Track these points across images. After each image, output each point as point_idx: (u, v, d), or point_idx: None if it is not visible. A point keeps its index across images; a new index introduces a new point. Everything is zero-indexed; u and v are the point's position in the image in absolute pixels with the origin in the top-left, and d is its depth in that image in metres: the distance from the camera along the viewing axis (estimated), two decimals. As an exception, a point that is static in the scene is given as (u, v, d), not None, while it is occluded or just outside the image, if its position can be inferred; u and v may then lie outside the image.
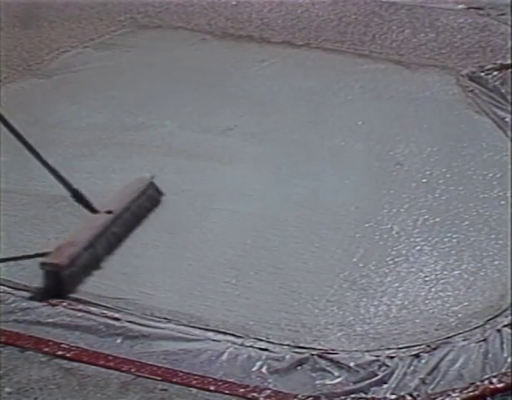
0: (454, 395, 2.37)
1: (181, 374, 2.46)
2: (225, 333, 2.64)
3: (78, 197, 3.08)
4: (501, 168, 3.62)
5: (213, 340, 2.61)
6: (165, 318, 2.70)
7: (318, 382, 2.45)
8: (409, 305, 2.78)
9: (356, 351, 2.56)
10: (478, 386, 2.40)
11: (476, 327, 2.66)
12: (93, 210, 3.08)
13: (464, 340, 2.60)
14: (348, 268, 2.96)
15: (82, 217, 3.08)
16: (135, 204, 3.22)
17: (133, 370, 2.47)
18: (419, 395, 2.38)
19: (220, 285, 2.87)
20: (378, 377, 2.45)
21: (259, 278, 2.91)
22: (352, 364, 2.50)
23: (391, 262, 3.01)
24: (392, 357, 2.53)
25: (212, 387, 2.41)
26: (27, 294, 2.80)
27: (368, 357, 2.53)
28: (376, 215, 3.28)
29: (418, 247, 3.09)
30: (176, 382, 2.43)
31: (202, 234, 3.17)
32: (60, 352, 2.53)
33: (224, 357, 2.54)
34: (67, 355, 2.53)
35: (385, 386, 2.43)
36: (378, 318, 2.72)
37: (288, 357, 2.54)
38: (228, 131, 3.98)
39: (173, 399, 2.38)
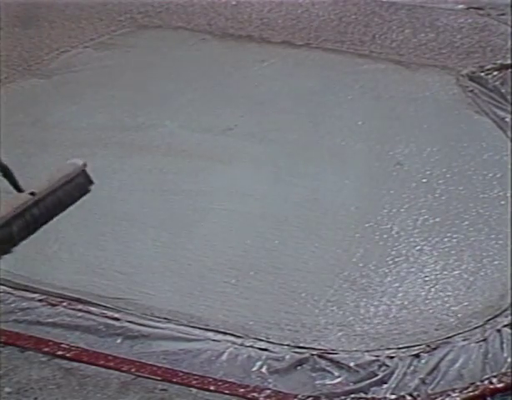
0: (454, 395, 2.37)
1: (181, 374, 2.46)
2: (225, 333, 2.64)
3: (7, 174, 3.17)
4: (501, 168, 3.62)
5: (213, 340, 2.61)
6: (165, 318, 2.70)
7: (318, 382, 2.45)
8: (409, 305, 2.78)
9: (356, 351, 2.56)
10: (478, 386, 2.40)
11: (476, 327, 2.66)
12: (19, 189, 3.17)
13: (464, 340, 2.60)
14: (348, 268, 2.96)
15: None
16: (62, 189, 3.28)
17: (133, 370, 2.47)
18: (419, 395, 2.38)
19: (220, 285, 2.88)
20: (379, 377, 2.45)
21: (259, 278, 2.91)
22: (352, 364, 2.50)
23: (391, 262, 3.01)
24: (392, 357, 2.53)
25: (212, 387, 2.41)
26: (27, 294, 2.80)
27: (368, 357, 2.53)
28: (376, 215, 3.28)
29: (418, 247, 3.09)
30: (176, 382, 2.43)
31: (202, 234, 3.17)
32: (60, 352, 2.53)
33: (224, 357, 2.54)
34: (67, 355, 2.53)
35: (385, 386, 2.43)
36: (378, 318, 2.72)
37: (288, 357, 2.54)
38: (228, 131, 3.98)
39: (173, 399, 2.38)
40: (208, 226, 3.22)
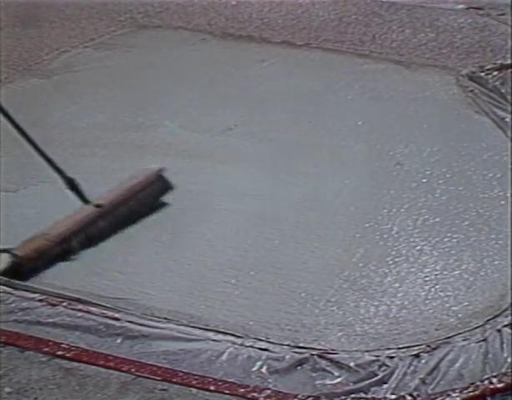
0: (454, 395, 2.37)
1: (181, 374, 2.46)
2: (225, 333, 2.64)
3: (73, 186, 3.10)
4: (501, 168, 3.62)
5: (213, 340, 2.61)
6: (165, 318, 2.70)
7: (318, 382, 2.45)
8: (409, 305, 2.78)
9: (356, 351, 2.56)
10: (478, 386, 2.40)
11: (476, 327, 2.66)
12: (86, 201, 3.09)
13: (464, 340, 2.60)
14: (348, 268, 2.96)
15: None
16: (135, 199, 3.19)
17: (132, 370, 2.47)
18: (419, 395, 2.38)
19: (220, 285, 2.88)
20: (378, 377, 2.45)
21: (259, 278, 2.91)
22: (352, 364, 2.50)
23: (391, 262, 3.01)
24: (392, 357, 2.53)
25: (212, 387, 2.41)
26: (27, 294, 2.80)
27: (368, 357, 2.53)
28: (376, 215, 3.28)
29: (418, 247, 3.09)
30: (176, 382, 2.43)
31: (202, 234, 3.17)
32: (60, 352, 2.53)
33: (224, 357, 2.53)
34: (67, 355, 2.53)
35: (385, 386, 2.43)
36: (378, 318, 2.72)
37: (288, 357, 2.53)
38: (228, 131, 3.98)
39: (173, 399, 2.38)
40: (208, 226, 3.22)
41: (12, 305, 2.74)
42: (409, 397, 2.38)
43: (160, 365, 2.49)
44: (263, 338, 2.62)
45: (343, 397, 2.38)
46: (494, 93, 4.33)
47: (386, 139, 3.90)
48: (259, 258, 3.02)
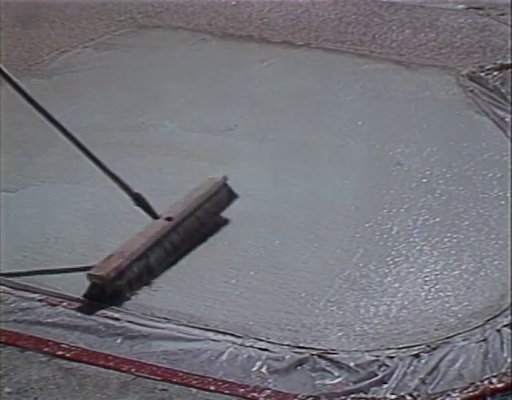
0: (454, 395, 2.37)
1: (181, 374, 2.46)
2: (225, 333, 2.64)
3: (140, 201, 2.98)
4: (501, 168, 3.62)
5: (213, 340, 2.61)
6: (165, 318, 2.70)
7: (318, 382, 2.45)
8: (408, 305, 2.78)
9: (356, 351, 2.56)
10: (478, 386, 2.40)
11: (476, 327, 2.66)
12: (155, 216, 2.97)
13: (464, 340, 2.60)
14: (348, 268, 2.96)
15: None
16: (201, 209, 3.10)
17: (132, 370, 2.47)
18: (419, 395, 2.38)
19: (220, 285, 2.87)
20: (378, 377, 2.45)
21: (259, 278, 2.91)
22: (352, 364, 2.50)
23: (391, 262, 3.01)
24: (392, 357, 2.53)
25: (212, 387, 2.41)
26: (27, 294, 2.80)
27: (368, 357, 2.53)
28: (376, 215, 3.28)
29: (418, 247, 3.09)
30: (176, 382, 2.43)
31: (201, 234, 3.16)
32: (60, 352, 2.53)
33: (224, 357, 2.53)
34: (67, 355, 2.53)
35: (385, 386, 2.43)
36: (378, 318, 2.71)
37: (288, 357, 2.53)
38: (228, 131, 3.98)
39: (173, 399, 2.38)
40: (208, 226, 3.21)
41: (12, 305, 2.74)
42: (408, 397, 2.38)
43: (160, 365, 2.49)
44: (263, 338, 2.62)
45: (343, 397, 2.38)
46: (494, 93, 4.33)
47: (386, 139, 3.90)
48: (259, 258, 3.02)
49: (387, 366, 2.49)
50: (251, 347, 2.58)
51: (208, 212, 3.13)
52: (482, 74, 4.55)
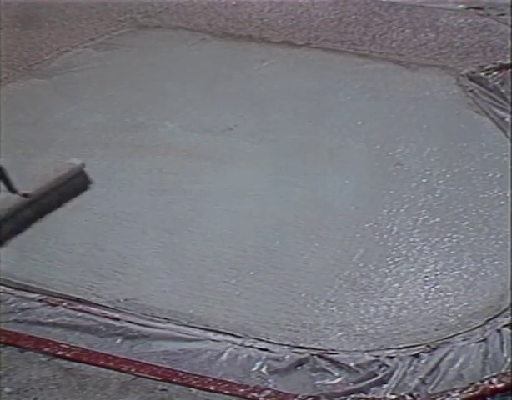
0: (454, 395, 2.37)
1: (181, 374, 2.46)
2: (225, 333, 2.64)
3: (1, 174, 3.17)
4: (501, 168, 3.62)
5: (213, 340, 2.61)
6: (165, 318, 2.70)
7: (318, 382, 2.45)
8: (409, 305, 2.78)
9: (356, 351, 2.56)
10: (478, 386, 2.40)
11: (476, 327, 2.66)
12: (13, 190, 3.19)
13: (464, 340, 2.60)
14: (348, 268, 2.96)
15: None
16: (56, 190, 3.31)
17: (132, 370, 2.47)
18: (419, 395, 2.38)
19: (220, 285, 2.87)
20: (378, 377, 2.45)
21: (259, 278, 2.91)
22: (352, 364, 2.50)
23: (391, 262, 3.01)
24: (392, 357, 2.53)
25: (212, 387, 2.41)
26: (27, 294, 2.80)
27: (368, 357, 2.53)
28: (376, 215, 3.28)
29: (418, 247, 3.09)
30: (176, 382, 2.43)
31: (202, 234, 3.17)
32: (60, 352, 2.54)
33: (224, 357, 2.54)
34: (67, 355, 2.53)
35: (385, 386, 2.43)
36: (378, 318, 2.71)
37: (288, 357, 2.54)
38: (228, 131, 3.98)
39: (173, 399, 2.38)
40: (208, 226, 3.22)
41: (12, 305, 2.75)
42: (408, 397, 2.38)
43: (160, 365, 2.50)
44: (263, 338, 2.62)
45: (343, 397, 2.38)
46: (494, 93, 4.33)
47: (386, 139, 3.90)
48: (259, 258, 3.02)
49: (387, 366, 2.49)
50: (251, 347, 2.58)
51: (61, 192, 3.36)
52: (482, 74, 4.55)
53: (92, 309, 2.73)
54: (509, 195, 3.41)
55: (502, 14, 5.52)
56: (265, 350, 2.57)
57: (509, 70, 4.58)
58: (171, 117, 4.11)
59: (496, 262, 2.99)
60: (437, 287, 2.87)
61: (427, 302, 2.79)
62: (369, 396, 2.40)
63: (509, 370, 2.45)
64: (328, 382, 2.45)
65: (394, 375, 2.46)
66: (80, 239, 3.13)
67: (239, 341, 2.60)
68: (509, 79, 4.47)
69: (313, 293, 2.83)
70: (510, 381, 2.41)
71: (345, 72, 4.69)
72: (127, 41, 5.11)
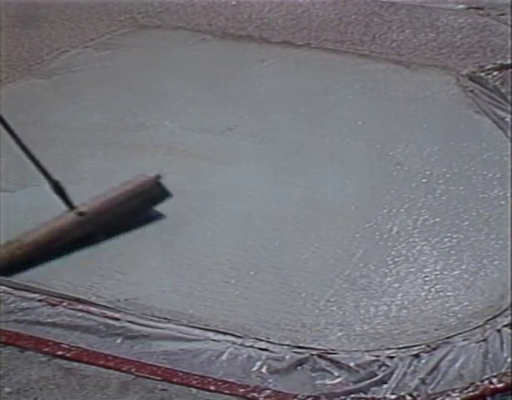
0: (454, 395, 2.37)
1: (181, 374, 2.46)
2: (225, 333, 2.64)
3: (58, 190, 3.04)
4: (501, 168, 3.62)
5: (213, 340, 2.61)
6: (165, 318, 2.70)
7: (318, 382, 2.45)
8: (409, 305, 2.78)
9: (356, 351, 2.56)
10: (478, 386, 2.40)
11: (476, 327, 2.66)
12: (71, 206, 3.02)
13: (464, 340, 2.60)
14: (348, 268, 2.96)
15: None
16: (125, 206, 3.12)
17: (133, 370, 2.47)
18: (419, 395, 2.38)
19: (220, 285, 2.87)
20: (378, 377, 2.45)
21: (259, 278, 2.91)
22: (352, 364, 2.50)
23: (391, 262, 3.01)
24: (392, 357, 2.53)
25: (212, 387, 2.41)
26: (27, 294, 2.80)
27: (368, 357, 2.53)
28: (376, 215, 3.28)
29: (418, 247, 3.09)
30: (176, 382, 2.43)
31: (202, 234, 3.17)
32: (60, 352, 2.53)
33: (224, 357, 2.54)
34: (67, 355, 2.53)
35: (385, 386, 2.43)
36: (378, 318, 2.72)
37: (288, 357, 2.53)
38: (228, 131, 3.98)
39: (173, 399, 2.38)
40: (208, 226, 3.22)
41: (12, 305, 2.74)
42: (408, 397, 2.38)
43: (160, 365, 2.49)
44: (263, 338, 2.62)
45: (343, 397, 2.38)
46: (494, 93, 4.33)
47: (386, 139, 3.90)
48: (259, 258, 3.02)
49: (387, 366, 2.49)
50: (251, 347, 2.58)
51: (130, 209, 3.13)
52: (482, 74, 4.55)
53: (92, 309, 2.73)
54: (509, 195, 3.41)
55: (502, 14, 5.52)
56: (265, 350, 2.56)
57: (509, 70, 4.58)
58: (171, 117, 4.11)
59: (496, 262, 2.99)
60: (437, 287, 2.87)
61: (427, 302, 2.79)
62: (369, 396, 2.40)
63: (509, 370, 2.45)
64: (328, 382, 2.45)
65: (394, 375, 2.46)
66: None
67: (239, 341, 2.60)
68: (509, 79, 4.47)
69: (313, 293, 2.83)
70: (510, 381, 2.41)
71: (345, 72, 4.69)
72: (127, 41, 5.11)
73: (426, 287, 2.86)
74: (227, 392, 2.40)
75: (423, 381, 2.43)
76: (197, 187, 3.47)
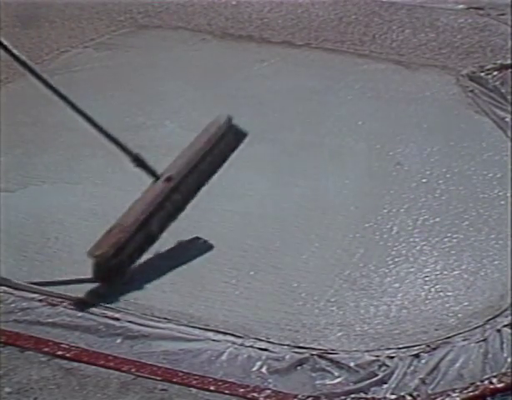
0: (454, 395, 2.37)
1: (181, 374, 2.46)
2: (225, 333, 2.64)
3: (139, 162, 3.00)
4: (501, 168, 3.62)
5: (213, 340, 2.61)
6: (165, 318, 2.70)
7: (318, 382, 2.45)
8: (409, 305, 2.78)
9: (356, 351, 2.56)
10: (478, 386, 2.40)
11: (476, 327, 2.66)
12: (155, 176, 2.98)
13: (464, 340, 2.60)
14: (348, 268, 2.96)
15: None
16: (205, 161, 3.07)
17: (133, 370, 2.47)
18: (419, 395, 2.38)
19: (220, 285, 2.87)
20: (379, 377, 2.45)
21: (259, 278, 2.91)
22: (352, 364, 2.50)
23: (391, 262, 3.01)
24: (392, 357, 2.53)
25: (212, 387, 2.41)
26: (27, 294, 2.80)
27: (368, 357, 2.53)
28: (376, 215, 3.28)
29: (418, 247, 3.09)
30: (176, 382, 2.43)
31: (202, 234, 3.16)
32: (60, 352, 2.53)
33: (224, 357, 2.54)
34: (67, 355, 2.53)
35: (385, 386, 2.43)
36: (378, 318, 2.72)
37: (288, 357, 2.54)
38: (228, 131, 3.97)
39: (173, 399, 2.38)
40: (208, 226, 3.22)
41: (12, 305, 2.75)
42: (408, 397, 2.38)
43: (160, 365, 2.49)
44: (263, 338, 2.62)
45: (343, 397, 2.38)
46: (494, 93, 4.33)
47: (386, 139, 3.90)
48: (259, 258, 3.02)
49: (387, 366, 2.49)
50: (251, 347, 2.58)
51: (212, 161, 3.11)
52: (482, 74, 4.55)
53: (92, 309, 2.73)
54: (509, 195, 3.41)
55: (502, 14, 5.52)
56: (265, 350, 2.57)
57: (509, 70, 4.58)
58: (171, 117, 4.11)
59: (496, 262, 2.99)
60: (437, 287, 2.87)
61: (427, 302, 2.79)
62: (369, 396, 2.40)
63: (509, 370, 2.45)
64: (328, 382, 2.45)
65: (394, 375, 2.46)
66: (80, 239, 3.13)
67: (239, 341, 2.60)
68: (509, 79, 4.47)
69: (313, 293, 2.83)
70: (510, 381, 2.41)
71: (345, 72, 4.68)
72: (127, 41, 5.11)
73: (426, 287, 2.86)
74: (227, 392, 2.40)
75: (423, 381, 2.43)
76: (197, 187, 3.47)
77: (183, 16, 5.51)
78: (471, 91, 4.39)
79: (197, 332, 2.64)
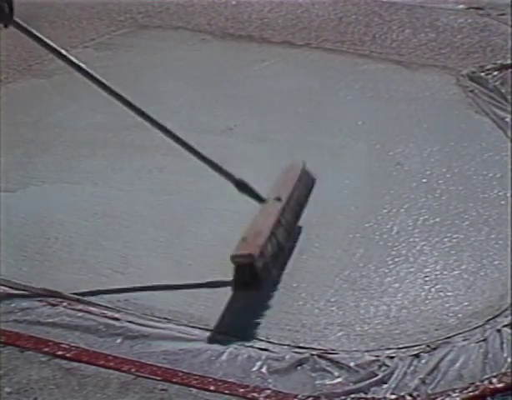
0: (454, 395, 2.37)
1: (181, 374, 2.46)
2: (225, 333, 2.63)
3: (243, 187, 3.02)
4: (501, 168, 3.62)
5: (213, 340, 2.61)
6: (165, 318, 2.70)
7: (318, 382, 2.44)
8: (409, 305, 2.78)
9: (356, 351, 2.56)
10: (478, 386, 2.40)
11: (476, 327, 2.66)
12: (261, 199, 3.02)
13: (464, 340, 2.60)
14: (348, 268, 2.96)
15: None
16: (296, 191, 3.16)
17: (132, 370, 2.47)
18: (419, 395, 2.38)
19: (220, 285, 2.87)
20: (378, 377, 2.45)
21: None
22: (352, 364, 2.50)
23: (391, 262, 3.01)
24: (392, 357, 2.53)
25: (212, 387, 2.41)
26: (27, 294, 2.80)
27: (368, 357, 2.53)
28: (376, 215, 3.28)
29: (418, 247, 3.09)
30: (176, 382, 2.43)
31: (202, 234, 3.17)
32: (60, 352, 2.53)
33: (224, 357, 2.53)
34: (67, 355, 2.53)
35: (385, 386, 2.43)
36: (378, 318, 2.71)
37: (288, 357, 2.53)
38: (228, 131, 3.98)
39: (173, 399, 2.38)
40: (208, 226, 3.22)
41: (12, 305, 2.74)
42: (408, 397, 2.38)
43: (160, 365, 2.49)
44: (263, 338, 2.62)
45: (343, 397, 2.38)
46: (494, 93, 4.33)
47: (386, 139, 3.90)
48: (259, 258, 3.01)
49: (387, 366, 2.49)
50: (251, 347, 2.58)
51: (300, 193, 3.21)
52: (482, 74, 4.55)
53: (92, 309, 2.73)
54: (509, 195, 3.41)
55: (502, 14, 5.53)
56: (265, 350, 2.56)
57: (509, 70, 4.59)
58: (171, 117, 4.10)
59: (496, 262, 2.99)
60: (437, 287, 2.87)
61: (427, 302, 2.79)
62: (369, 396, 2.40)
63: (509, 370, 2.45)
64: (328, 382, 2.45)
65: (394, 375, 2.45)
66: (80, 239, 3.13)
67: (239, 341, 2.60)
68: (509, 79, 4.47)
69: (313, 293, 2.83)
70: (510, 381, 2.41)
71: (345, 72, 4.69)
72: (127, 41, 5.11)
73: (426, 287, 2.86)
74: (227, 392, 2.40)
75: (423, 381, 2.43)
76: (197, 187, 3.47)
77: (183, 16, 5.51)
78: (471, 91, 4.39)
79: (197, 332, 2.64)
